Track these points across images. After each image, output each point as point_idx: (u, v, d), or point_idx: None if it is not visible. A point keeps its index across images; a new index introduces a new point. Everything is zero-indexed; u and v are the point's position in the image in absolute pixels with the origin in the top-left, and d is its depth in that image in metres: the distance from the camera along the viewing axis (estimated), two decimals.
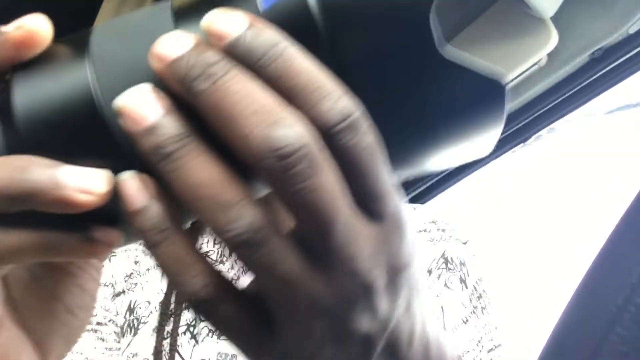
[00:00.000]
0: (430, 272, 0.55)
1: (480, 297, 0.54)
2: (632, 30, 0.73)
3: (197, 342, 0.48)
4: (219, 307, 0.17)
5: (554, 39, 0.76)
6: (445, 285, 0.54)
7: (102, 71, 0.17)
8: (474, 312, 0.53)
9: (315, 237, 0.16)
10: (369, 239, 0.17)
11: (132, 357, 0.49)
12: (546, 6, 0.73)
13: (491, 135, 0.18)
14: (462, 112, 0.18)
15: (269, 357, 0.19)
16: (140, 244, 0.58)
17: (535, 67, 0.80)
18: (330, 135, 0.16)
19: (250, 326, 0.18)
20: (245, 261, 0.16)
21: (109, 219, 0.19)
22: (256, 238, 0.16)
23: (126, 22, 0.19)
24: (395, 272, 0.18)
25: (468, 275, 0.55)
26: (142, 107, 0.16)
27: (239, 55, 0.16)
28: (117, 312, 0.51)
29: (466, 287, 0.54)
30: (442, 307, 0.52)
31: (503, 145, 0.95)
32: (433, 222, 0.59)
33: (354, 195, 0.17)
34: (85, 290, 0.23)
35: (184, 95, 0.16)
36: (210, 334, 0.47)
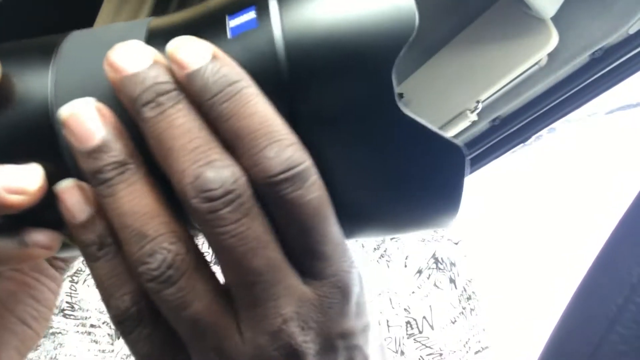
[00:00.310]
0: (420, 272, 0.55)
1: (469, 298, 0.55)
2: (632, 31, 0.73)
3: None
4: (141, 329, 0.17)
5: (554, 39, 0.76)
6: (435, 285, 0.54)
7: (62, 77, 0.17)
8: (462, 313, 0.53)
9: (236, 286, 0.16)
10: (300, 298, 0.16)
11: (126, 358, 0.49)
12: (546, 6, 0.73)
13: (451, 205, 0.17)
14: (420, 173, 0.17)
15: None
16: None
17: (536, 67, 0.80)
18: (270, 184, 0.15)
19: (163, 353, 0.17)
20: (153, 297, 0.16)
21: (53, 223, 0.18)
22: (167, 275, 0.15)
23: (101, 32, 0.18)
24: (333, 338, 0.17)
25: (458, 276, 0.56)
26: (86, 125, 0.16)
27: (195, 88, 0.15)
28: None
29: (455, 288, 0.55)
30: (430, 306, 0.53)
31: (503, 145, 0.95)
32: None
33: (293, 251, 0.16)
34: (40, 301, 0.23)
35: (131, 115, 0.16)
36: None
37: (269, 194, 0.15)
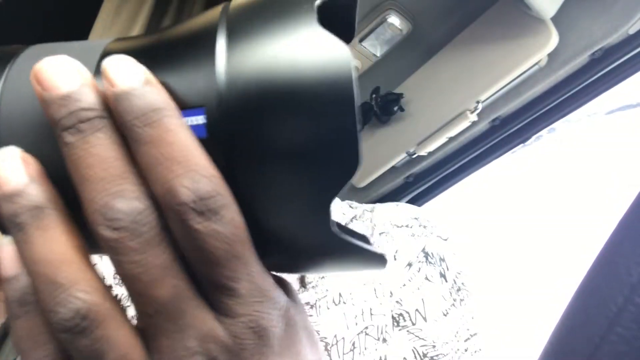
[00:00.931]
0: (410, 265, 0.55)
1: (459, 289, 0.55)
2: (632, 31, 0.73)
3: None
4: None
5: (554, 40, 0.76)
6: (426, 278, 0.54)
7: (7, 90, 0.17)
8: (453, 305, 0.53)
9: (142, 315, 0.16)
10: (209, 334, 0.16)
11: None
12: (546, 7, 0.73)
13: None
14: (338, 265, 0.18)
15: None
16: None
17: (536, 67, 0.80)
18: (178, 212, 0.15)
19: None
20: (67, 347, 0.16)
21: None
22: (81, 326, 0.15)
23: (58, 47, 0.18)
24: None
25: (448, 270, 0.56)
26: (4, 171, 0.16)
27: (120, 108, 0.15)
28: None
29: (446, 281, 0.55)
30: (422, 299, 0.53)
31: (503, 145, 0.95)
32: (415, 218, 0.59)
33: (203, 284, 0.16)
34: None
35: (54, 134, 0.16)
36: None
37: (177, 222, 0.15)
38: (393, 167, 1.01)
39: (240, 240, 0.16)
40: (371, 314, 0.49)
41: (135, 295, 0.16)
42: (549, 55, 0.79)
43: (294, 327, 0.18)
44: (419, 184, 1.04)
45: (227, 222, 0.15)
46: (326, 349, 0.46)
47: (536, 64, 0.80)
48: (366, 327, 0.48)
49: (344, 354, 0.46)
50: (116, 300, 0.16)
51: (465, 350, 0.50)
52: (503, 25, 0.84)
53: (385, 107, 0.97)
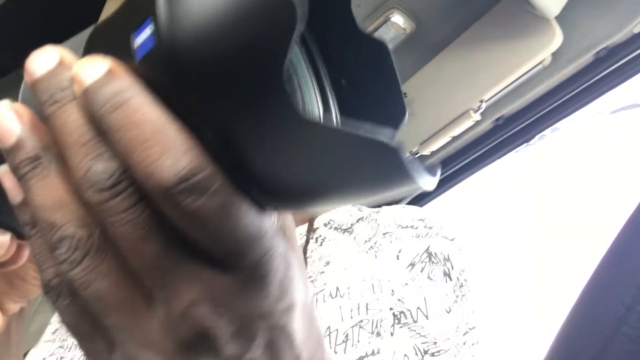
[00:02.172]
0: (413, 265, 0.56)
1: (461, 286, 0.55)
2: (636, 30, 0.73)
3: None
4: (61, 299, 0.18)
5: (558, 38, 0.76)
6: (429, 277, 0.54)
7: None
8: (455, 302, 0.53)
9: (140, 271, 0.17)
10: (211, 282, 0.17)
11: None
12: (550, 5, 0.73)
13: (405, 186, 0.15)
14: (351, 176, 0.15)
15: None
16: None
17: (539, 66, 0.79)
18: (167, 196, 0.15)
19: (81, 323, 0.18)
20: (67, 278, 0.17)
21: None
22: (72, 257, 0.17)
23: (66, 43, 0.19)
24: (251, 320, 0.18)
25: (452, 269, 0.56)
26: (2, 125, 0.17)
27: (87, 102, 0.16)
28: None
29: (450, 280, 0.55)
30: (424, 297, 0.53)
31: (506, 144, 0.95)
32: (421, 219, 0.60)
33: (200, 248, 0.17)
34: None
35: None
36: None
37: (169, 207, 0.15)
38: None
39: (232, 204, 0.16)
40: (367, 309, 0.49)
41: (129, 253, 0.17)
42: (553, 54, 0.78)
43: (292, 269, 0.19)
44: None
45: (217, 195, 0.15)
46: None
47: (540, 63, 0.79)
48: (361, 321, 0.48)
49: (336, 344, 0.46)
50: (110, 239, 0.17)
51: (464, 344, 0.50)
52: (507, 24, 0.84)
53: None
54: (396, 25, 0.96)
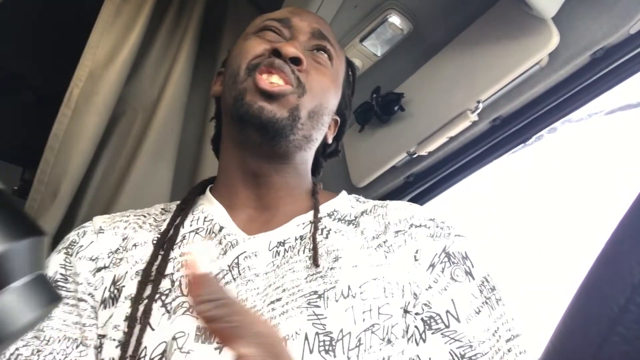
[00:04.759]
0: (433, 266, 0.55)
1: (494, 289, 0.54)
2: (633, 30, 0.73)
3: (169, 313, 0.48)
4: None
5: (554, 39, 0.76)
6: (452, 278, 0.54)
7: None
8: (486, 303, 0.53)
9: None
10: None
11: (114, 328, 0.50)
12: (547, 6, 0.73)
13: None
14: None
15: None
16: (130, 220, 0.59)
17: (536, 67, 0.80)
18: None
19: None
20: None
21: None
22: None
23: None
24: None
25: (473, 267, 0.55)
26: None
27: None
28: (96, 287, 0.53)
29: (473, 279, 0.54)
30: (452, 299, 0.53)
31: (503, 145, 0.95)
32: (431, 219, 0.59)
33: None
34: None
35: None
36: (190, 310, 0.48)
37: None
38: (393, 167, 1.01)
39: None
40: (379, 313, 0.49)
41: None
42: (550, 54, 0.79)
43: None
44: (419, 183, 1.04)
45: None
46: (330, 344, 0.46)
47: (537, 63, 0.80)
48: (372, 325, 0.48)
49: (349, 349, 0.46)
50: None
51: (509, 351, 0.50)
52: (504, 24, 0.84)
53: (385, 107, 0.97)
54: (394, 25, 0.96)
